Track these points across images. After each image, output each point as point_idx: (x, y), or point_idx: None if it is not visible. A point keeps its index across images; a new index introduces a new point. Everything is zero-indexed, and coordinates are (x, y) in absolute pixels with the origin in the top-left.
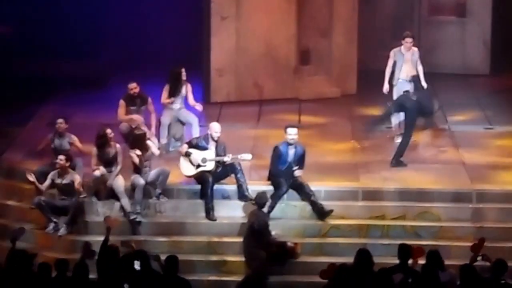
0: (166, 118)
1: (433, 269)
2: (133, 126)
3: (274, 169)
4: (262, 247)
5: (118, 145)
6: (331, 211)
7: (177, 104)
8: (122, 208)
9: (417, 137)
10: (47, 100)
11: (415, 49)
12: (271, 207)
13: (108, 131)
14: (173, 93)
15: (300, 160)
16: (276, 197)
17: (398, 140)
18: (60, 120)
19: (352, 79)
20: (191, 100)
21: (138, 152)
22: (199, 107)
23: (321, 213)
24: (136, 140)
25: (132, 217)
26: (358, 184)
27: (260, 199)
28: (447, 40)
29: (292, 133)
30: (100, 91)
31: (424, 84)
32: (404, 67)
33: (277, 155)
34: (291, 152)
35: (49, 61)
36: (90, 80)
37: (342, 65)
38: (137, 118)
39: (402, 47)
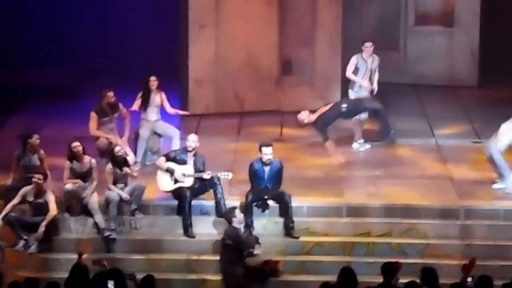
0: (145, 131)
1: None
2: (112, 143)
3: (253, 185)
4: (239, 262)
5: (93, 160)
6: (298, 237)
7: (153, 115)
8: (95, 224)
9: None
10: (16, 111)
11: (375, 56)
12: (245, 223)
13: (74, 144)
14: (145, 103)
15: (276, 176)
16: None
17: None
18: (36, 136)
19: (336, 90)
20: (168, 109)
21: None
22: (181, 112)
23: (288, 230)
24: (115, 162)
25: (106, 234)
26: (342, 200)
27: (226, 215)
28: (434, 51)
29: (267, 153)
30: (72, 102)
31: (375, 86)
32: (366, 74)
33: (252, 173)
34: (267, 169)
35: (18, 70)
36: (62, 90)
37: (325, 75)
38: (114, 140)
39: (363, 53)
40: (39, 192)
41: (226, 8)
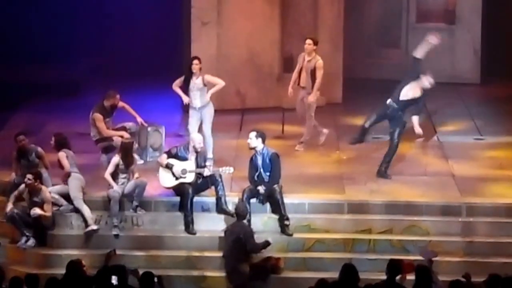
0: (193, 126)
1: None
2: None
3: (248, 176)
4: (245, 260)
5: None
6: (291, 234)
7: (196, 101)
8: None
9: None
10: (19, 108)
11: (318, 58)
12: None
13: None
14: (185, 86)
15: (270, 166)
16: None
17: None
18: (21, 137)
19: (338, 87)
20: (217, 83)
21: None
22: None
23: (282, 228)
24: (124, 149)
25: (89, 229)
26: (344, 196)
27: (241, 211)
28: (436, 48)
29: (249, 137)
30: (75, 99)
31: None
32: (302, 72)
33: (250, 164)
34: (259, 158)
35: (21, 67)
36: (64, 87)
37: (327, 73)
38: (127, 135)
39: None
40: (33, 190)
41: (228, 6)
